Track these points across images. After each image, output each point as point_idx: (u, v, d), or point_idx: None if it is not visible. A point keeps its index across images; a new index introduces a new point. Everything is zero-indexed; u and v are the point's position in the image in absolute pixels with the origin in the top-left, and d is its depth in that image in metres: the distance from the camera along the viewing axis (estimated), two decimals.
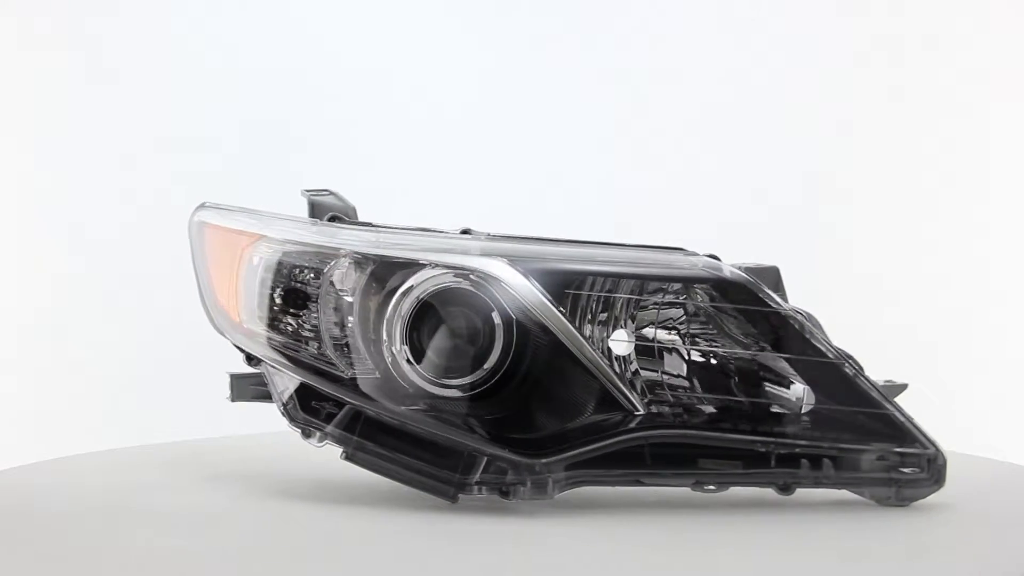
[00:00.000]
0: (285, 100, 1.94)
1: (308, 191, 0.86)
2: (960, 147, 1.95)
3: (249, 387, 0.84)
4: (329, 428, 0.80)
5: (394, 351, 0.80)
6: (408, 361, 0.80)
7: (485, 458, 0.80)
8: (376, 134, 1.95)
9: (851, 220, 1.96)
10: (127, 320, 1.85)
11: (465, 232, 0.84)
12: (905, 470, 0.86)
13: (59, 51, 1.93)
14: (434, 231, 0.83)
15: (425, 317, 0.80)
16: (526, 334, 0.82)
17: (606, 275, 0.86)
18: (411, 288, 0.80)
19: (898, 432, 0.86)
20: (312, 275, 0.81)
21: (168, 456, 1.11)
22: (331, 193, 0.86)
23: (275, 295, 0.81)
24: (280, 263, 0.81)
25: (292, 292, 0.81)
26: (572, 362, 0.82)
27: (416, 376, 0.80)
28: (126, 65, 1.92)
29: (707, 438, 0.84)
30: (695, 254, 0.91)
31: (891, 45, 1.97)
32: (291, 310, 0.81)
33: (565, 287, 0.83)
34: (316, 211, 0.84)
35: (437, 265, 0.80)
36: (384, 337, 0.80)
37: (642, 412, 0.83)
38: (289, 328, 0.81)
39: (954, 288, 1.93)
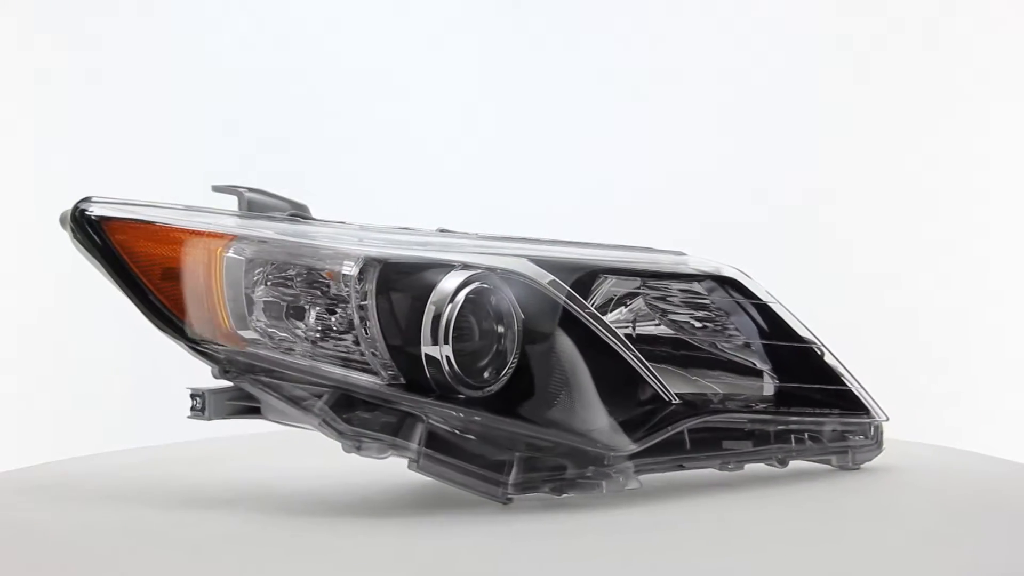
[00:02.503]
0: (282, 102, 1.95)
1: (236, 187, 0.79)
2: (960, 148, 1.96)
3: (226, 403, 0.77)
4: (388, 438, 0.73)
5: (433, 354, 0.73)
6: (449, 363, 0.74)
7: (541, 458, 0.78)
8: (358, 132, 1.96)
9: (851, 220, 1.96)
10: (127, 321, 1.84)
11: (442, 231, 0.82)
12: (859, 437, 0.99)
13: (61, 51, 1.93)
14: (414, 230, 0.80)
15: (463, 318, 0.75)
16: (562, 332, 0.80)
17: (621, 273, 0.87)
18: (448, 289, 0.74)
19: (855, 404, 0.98)
20: (316, 278, 0.75)
21: (170, 457, 1.12)
22: (252, 190, 0.79)
23: (286, 300, 0.75)
24: (280, 265, 0.75)
25: (307, 297, 0.75)
26: (609, 356, 0.81)
27: (454, 378, 0.74)
28: (126, 66, 1.93)
29: (731, 421, 0.90)
30: (678, 252, 0.95)
31: (891, 46, 1.98)
32: (309, 316, 0.75)
33: (588, 285, 0.83)
34: (256, 207, 0.78)
35: (467, 266, 0.76)
36: (426, 340, 0.73)
37: (677, 401, 0.84)
38: (312, 334, 0.75)
39: (954, 288, 1.93)
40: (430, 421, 0.74)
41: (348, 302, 0.73)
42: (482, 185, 1.96)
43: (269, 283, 0.75)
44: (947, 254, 1.94)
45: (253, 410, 0.78)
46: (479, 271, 0.75)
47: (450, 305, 0.73)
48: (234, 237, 0.75)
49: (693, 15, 2.01)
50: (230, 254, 0.74)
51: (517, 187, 1.95)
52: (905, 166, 1.96)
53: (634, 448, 0.81)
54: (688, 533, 0.72)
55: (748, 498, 0.85)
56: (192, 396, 0.77)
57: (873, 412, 0.99)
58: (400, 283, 0.74)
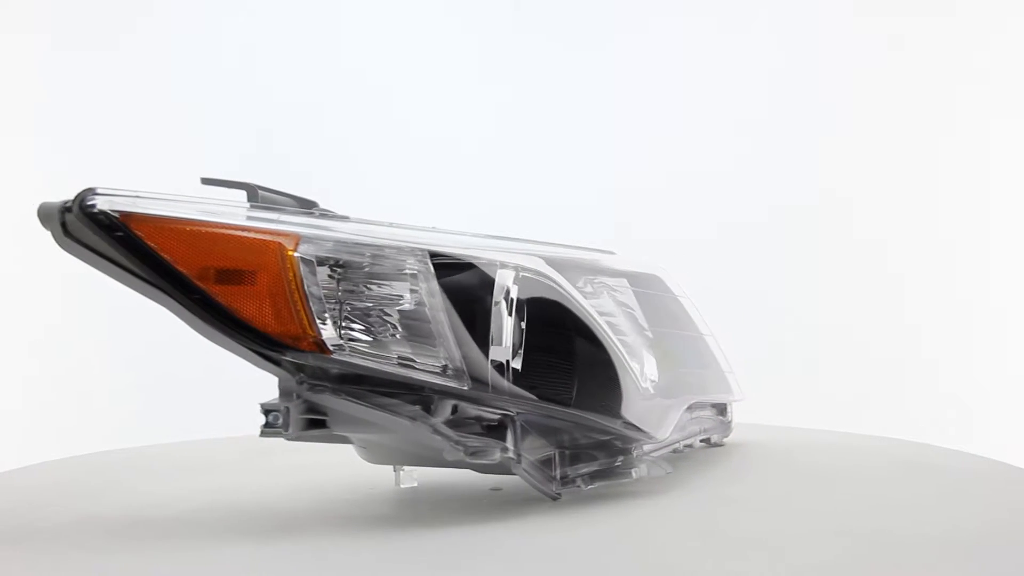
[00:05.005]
0: (281, 102, 1.95)
1: (225, 180, 0.72)
2: (964, 148, 1.96)
3: (299, 418, 0.70)
4: (495, 441, 0.72)
5: (499, 356, 0.72)
6: (509, 363, 0.72)
7: (576, 452, 0.79)
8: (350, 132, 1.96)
9: (851, 220, 1.96)
10: (131, 322, 1.85)
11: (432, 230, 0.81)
12: (727, 417, 1.11)
13: (61, 51, 1.94)
14: (414, 226, 0.78)
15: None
16: (577, 330, 0.80)
17: (594, 272, 0.87)
18: (506, 290, 0.73)
19: (729, 387, 1.07)
20: (381, 277, 0.71)
21: (179, 456, 1.12)
22: (245, 184, 0.72)
23: (357, 301, 0.70)
24: (345, 264, 0.69)
25: (377, 298, 0.70)
26: (607, 351, 0.81)
27: (512, 377, 0.72)
28: (126, 65, 1.93)
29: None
30: (609, 252, 0.96)
31: (893, 48, 1.97)
32: (383, 317, 0.70)
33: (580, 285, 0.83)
34: (265, 203, 0.72)
35: (507, 265, 0.74)
36: (495, 340, 0.72)
37: (653, 392, 0.86)
38: (391, 336, 0.70)
39: (957, 289, 1.93)
40: (521, 422, 0.73)
41: (414, 302, 0.70)
42: (478, 185, 1.96)
43: (336, 285, 0.69)
44: (948, 254, 1.94)
45: (318, 424, 0.71)
46: (517, 271, 0.74)
47: (510, 307, 0.72)
48: (299, 237, 0.68)
49: (695, 16, 2.01)
50: (300, 255, 0.67)
51: (513, 188, 1.95)
52: (905, 167, 1.96)
53: (665, 435, 0.84)
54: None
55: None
56: (268, 412, 0.69)
57: (737, 393, 1.08)
58: (458, 282, 0.72)
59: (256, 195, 0.71)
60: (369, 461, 0.83)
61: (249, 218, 0.68)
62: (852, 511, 0.75)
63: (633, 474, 0.81)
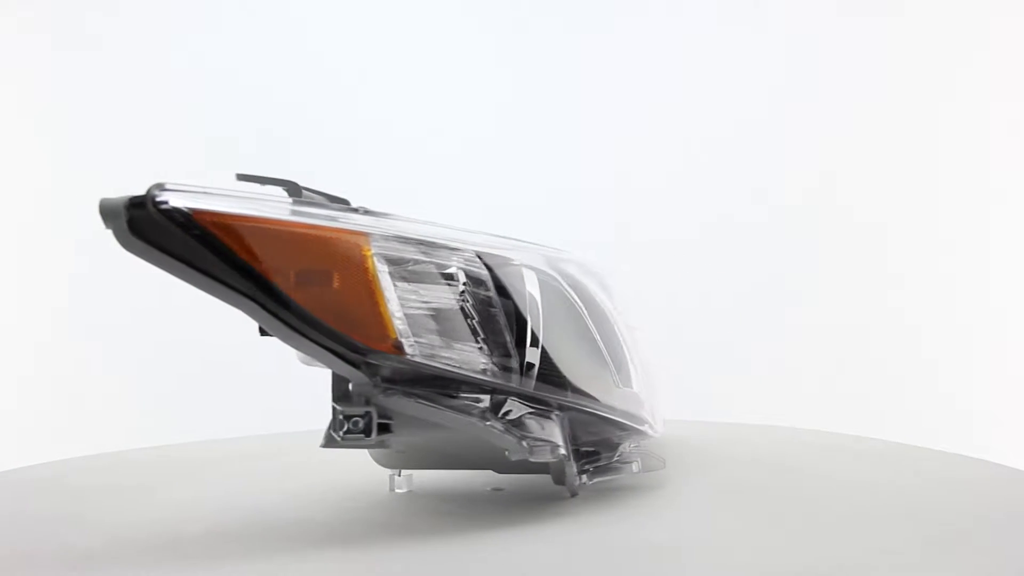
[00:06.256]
0: (281, 102, 1.95)
1: (262, 177, 0.68)
2: (965, 148, 1.95)
3: (377, 423, 0.68)
4: (552, 441, 0.73)
5: (532, 358, 0.72)
6: (531, 365, 0.72)
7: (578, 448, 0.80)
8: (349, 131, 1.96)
9: (851, 220, 1.95)
10: (133, 322, 1.85)
11: None
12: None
13: (61, 51, 1.94)
14: (452, 226, 0.77)
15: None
16: (582, 327, 0.81)
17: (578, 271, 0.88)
18: (534, 292, 0.74)
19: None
20: (442, 275, 0.70)
21: (187, 457, 1.12)
22: (280, 180, 0.69)
23: (422, 301, 0.68)
24: (408, 262, 0.68)
25: (437, 297, 0.69)
26: (607, 347, 0.82)
27: (531, 378, 0.72)
28: (125, 65, 1.93)
29: None
30: (559, 250, 0.95)
31: (892, 48, 1.97)
32: (446, 316, 0.69)
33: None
34: (304, 198, 0.69)
35: (529, 266, 0.75)
36: (531, 342, 0.72)
37: (646, 386, 0.88)
38: (457, 335, 0.69)
39: (956, 289, 1.92)
40: (564, 420, 0.75)
41: (464, 300, 0.70)
42: (477, 185, 1.96)
43: (403, 284, 0.67)
44: (948, 254, 1.93)
45: (383, 428, 0.69)
46: (537, 272, 0.75)
47: (535, 308, 0.73)
48: (368, 235, 0.65)
49: (692, 13, 2.01)
50: (376, 254, 0.65)
51: (512, 187, 1.95)
52: (906, 166, 1.95)
53: (663, 429, 0.87)
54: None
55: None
56: (348, 418, 0.67)
57: None
58: (498, 281, 0.72)
59: (299, 192, 0.68)
60: (385, 465, 0.83)
61: (313, 216, 0.64)
62: (849, 509, 0.76)
63: (633, 468, 0.82)
